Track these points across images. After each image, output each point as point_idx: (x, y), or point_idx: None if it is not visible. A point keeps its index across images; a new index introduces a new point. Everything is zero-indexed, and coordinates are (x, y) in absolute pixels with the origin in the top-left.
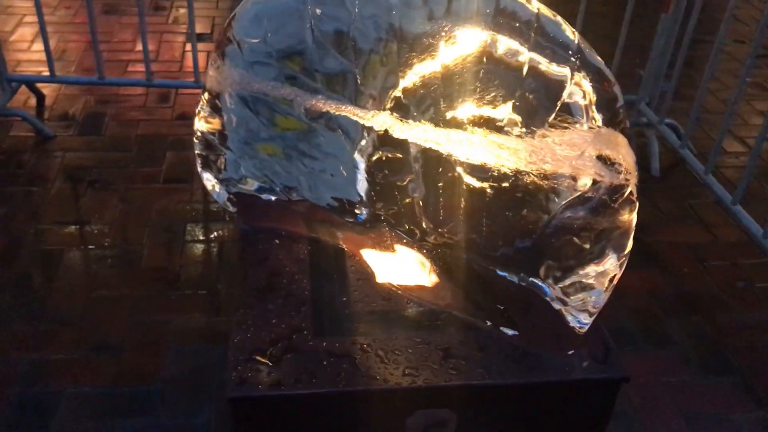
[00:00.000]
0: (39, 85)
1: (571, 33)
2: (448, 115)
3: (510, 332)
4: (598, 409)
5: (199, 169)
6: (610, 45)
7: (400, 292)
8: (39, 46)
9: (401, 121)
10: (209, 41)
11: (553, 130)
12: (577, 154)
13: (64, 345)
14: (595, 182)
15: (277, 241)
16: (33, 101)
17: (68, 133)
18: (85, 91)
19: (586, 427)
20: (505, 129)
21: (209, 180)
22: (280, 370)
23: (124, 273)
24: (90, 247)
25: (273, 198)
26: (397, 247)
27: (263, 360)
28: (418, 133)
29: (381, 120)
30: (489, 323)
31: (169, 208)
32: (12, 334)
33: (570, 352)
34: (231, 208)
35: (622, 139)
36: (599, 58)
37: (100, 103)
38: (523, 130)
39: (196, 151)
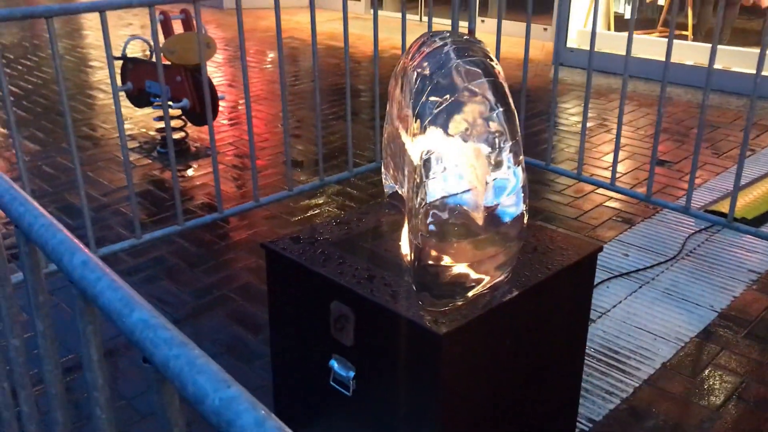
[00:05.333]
0: None
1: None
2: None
3: (414, 288)
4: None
5: (383, 171)
6: None
7: (399, 249)
8: None
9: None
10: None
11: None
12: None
13: None
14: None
15: (387, 210)
16: None
17: None
18: None
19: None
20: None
21: (385, 178)
22: (300, 247)
23: None
24: None
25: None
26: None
27: (297, 241)
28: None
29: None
30: (409, 278)
31: None
32: None
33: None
34: (387, 198)
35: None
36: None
37: None
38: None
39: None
